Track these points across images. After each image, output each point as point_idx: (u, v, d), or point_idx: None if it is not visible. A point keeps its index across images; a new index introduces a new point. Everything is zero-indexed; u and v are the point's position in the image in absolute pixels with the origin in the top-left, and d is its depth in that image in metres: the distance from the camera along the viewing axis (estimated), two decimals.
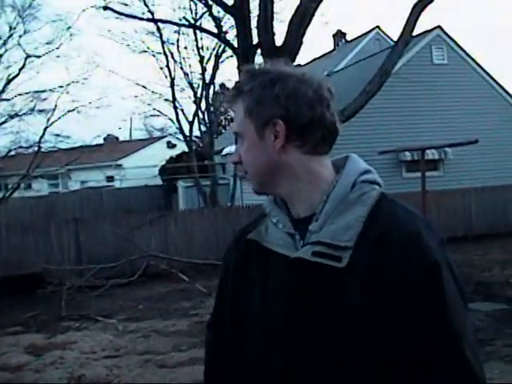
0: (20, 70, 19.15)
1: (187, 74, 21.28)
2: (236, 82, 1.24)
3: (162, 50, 20.62)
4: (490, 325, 6.56)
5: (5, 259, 10.50)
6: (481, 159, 15.50)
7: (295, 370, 1.12)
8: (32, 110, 19.65)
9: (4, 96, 19.23)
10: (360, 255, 1.09)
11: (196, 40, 20.45)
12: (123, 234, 10.99)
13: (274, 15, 9.16)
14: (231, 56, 18.41)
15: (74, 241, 11.19)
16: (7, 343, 7.17)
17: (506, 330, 6.34)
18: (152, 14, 17.60)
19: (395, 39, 10.16)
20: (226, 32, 16.27)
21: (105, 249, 10.93)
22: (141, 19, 16.42)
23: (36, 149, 19.46)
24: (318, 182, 1.18)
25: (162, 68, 21.16)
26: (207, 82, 20.94)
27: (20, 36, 19.25)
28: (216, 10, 14.68)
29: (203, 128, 22.40)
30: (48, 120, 19.33)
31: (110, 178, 29.35)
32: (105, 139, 29.26)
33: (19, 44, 19.21)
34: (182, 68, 21.20)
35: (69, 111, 19.66)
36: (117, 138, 34.65)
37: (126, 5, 15.90)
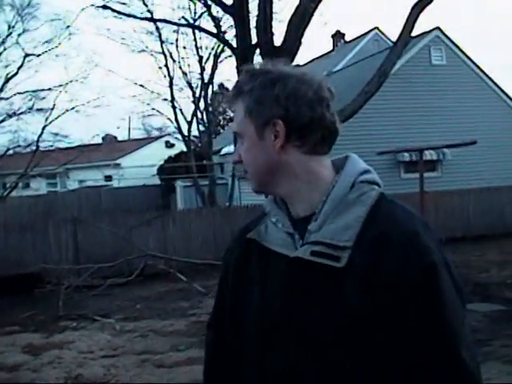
0: (19, 68, 19.19)
1: (186, 74, 21.32)
2: (236, 82, 1.24)
3: (160, 50, 20.67)
4: (488, 325, 6.57)
5: (2, 258, 10.48)
6: (479, 160, 15.53)
7: (294, 369, 1.13)
8: (30, 108, 19.70)
9: (2, 95, 19.28)
10: (359, 255, 1.09)
11: (195, 40, 20.48)
12: (121, 234, 10.98)
13: (273, 15, 9.16)
14: (230, 56, 18.43)
15: (72, 240, 11.17)
16: (4, 343, 7.15)
17: (504, 330, 6.36)
18: (151, 13, 17.62)
19: (394, 40, 10.17)
20: (224, 32, 16.30)
21: (103, 248, 10.92)
22: (140, 19, 16.45)
23: (34, 148, 19.47)
24: (318, 181, 1.18)
25: (160, 67, 21.21)
26: (206, 81, 20.95)
27: (19, 35, 19.32)
28: (215, 9, 14.69)
29: (202, 128, 22.45)
30: (46, 119, 19.39)
31: (109, 178, 29.34)
32: (103, 138, 29.29)
33: (18, 43, 19.26)
34: (180, 68, 21.25)
35: (67, 110, 19.73)
36: (115, 138, 34.65)
37: (125, 4, 15.89)
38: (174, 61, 20.96)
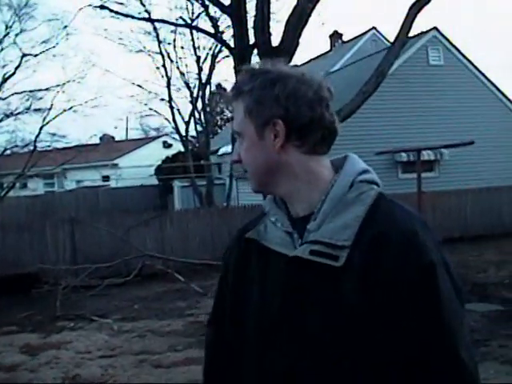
0: (16, 68, 19.12)
1: (183, 74, 21.28)
2: (236, 82, 1.24)
3: (158, 50, 20.59)
4: (485, 325, 6.57)
5: (0, 258, 10.46)
6: (476, 160, 15.55)
7: (293, 368, 1.13)
8: (28, 109, 19.63)
9: (0, 95, 19.20)
10: (357, 254, 1.09)
11: (192, 40, 20.44)
12: (119, 234, 10.97)
13: (271, 15, 9.14)
14: (228, 56, 18.43)
15: (69, 240, 11.16)
16: (2, 343, 7.14)
17: (501, 330, 6.36)
18: (148, 13, 17.57)
19: (392, 40, 10.16)
20: (222, 32, 16.27)
21: (100, 248, 10.91)
22: (137, 19, 16.37)
23: (32, 148, 19.43)
24: (317, 181, 1.19)
25: (158, 68, 21.14)
26: (203, 81, 20.91)
27: (16, 35, 19.24)
28: (213, 9, 14.65)
29: (199, 128, 22.39)
30: (44, 119, 19.32)
31: (106, 178, 29.30)
32: (101, 139, 29.20)
33: (15, 43, 19.19)
34: (178, 68, 21.19)
35: (65, 110, 19.64)
36: (113, 138, 34.58)
37: (122, 4, 15.86)
38: (171, 61, 20.91)
